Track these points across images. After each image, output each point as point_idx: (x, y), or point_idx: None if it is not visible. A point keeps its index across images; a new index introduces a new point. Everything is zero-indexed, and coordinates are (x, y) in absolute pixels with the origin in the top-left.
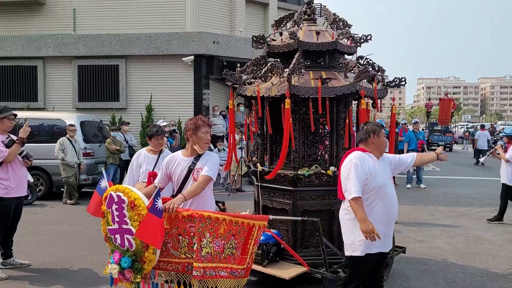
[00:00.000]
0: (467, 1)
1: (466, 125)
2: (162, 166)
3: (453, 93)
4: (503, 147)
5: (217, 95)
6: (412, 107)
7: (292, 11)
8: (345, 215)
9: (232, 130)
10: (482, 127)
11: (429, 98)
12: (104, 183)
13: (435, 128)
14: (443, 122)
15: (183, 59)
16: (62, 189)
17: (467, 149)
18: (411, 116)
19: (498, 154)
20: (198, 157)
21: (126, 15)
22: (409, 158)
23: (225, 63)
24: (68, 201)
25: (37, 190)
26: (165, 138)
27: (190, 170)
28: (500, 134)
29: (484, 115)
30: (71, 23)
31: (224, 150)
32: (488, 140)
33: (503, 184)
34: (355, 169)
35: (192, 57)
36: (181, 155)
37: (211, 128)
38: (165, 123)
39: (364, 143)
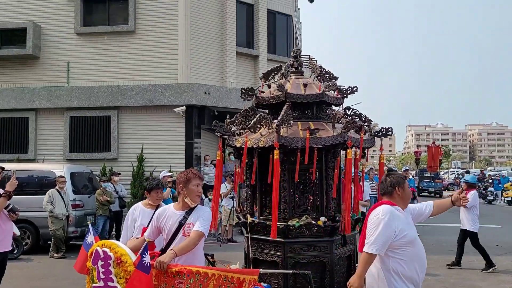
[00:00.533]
0: (451, 51)
1: (456, 171)
2: (153, 218)
3: (442, 140)
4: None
5: (208, 145)
6: (402, 153)
7: (280, 64)
8: (379, 271)
9: (218, 181)
10: (467, 173)
11: (417, 146)
12: (90, 238)
13: (424, 174)
14: (432, 168)
15: (175, 109)
16: (49, 242)
17: None
18: (402, 163)
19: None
20: (190, 211)
21: (119, 67)
22: (427, 208)
23: (217, 113)
24: (55, 255)
25: (23, 243)
26: (168, 188)
27: (180, 225)
28: (462, 181)
29: (473, 162)
30: (64, 75)
31: None
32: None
33: (462, 229)
34: (383, 226)
35: (184, 107)
36: (173, 209)
37: (202, 181)
38: (168, 174)
39: (389, 196)
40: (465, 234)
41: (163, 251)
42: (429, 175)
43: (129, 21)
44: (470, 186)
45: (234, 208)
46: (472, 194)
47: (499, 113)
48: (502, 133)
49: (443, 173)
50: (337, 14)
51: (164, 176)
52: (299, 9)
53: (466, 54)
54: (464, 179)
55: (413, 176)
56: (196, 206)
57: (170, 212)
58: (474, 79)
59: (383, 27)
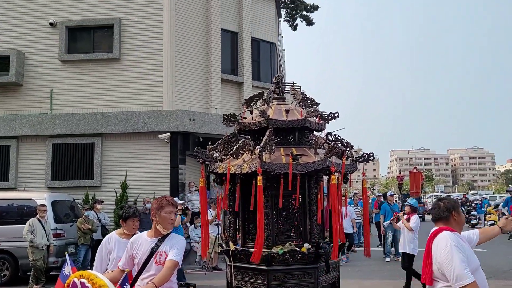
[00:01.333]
0: (432, 78)
1: (440, 195)
2: (127, 247)
3: (425, 164)
4: (403, 215)
5: (193, 171)
6: (386, 178)
7: (262, 91)
8: None
9: (204, 208)
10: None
11: (401, 170)
12: (67, 268)
13: (407, 199)
14: (414, 193)
15: (160, 136)
16: (28, 273)
17: None
18: (386, 188)
19: (398, 223)
20: (162, 238)
21: (103, 94)
22: (474, 236)
23: (201, 140)
24: (35, 286)
25: (2, 275)
26: (178, 215)
27: (152, 252)
28: (405, 204)
29: (456, 185)
30: (47, 103)
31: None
32: None
33: (403, 253)
34: (458, 251)
35: (169, 134)
36: (146, 236)
37: (176, 208)
38: (180, 202)
39: (445, 221)
40: (410, 258)
41: (135, 279)
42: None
43: (114, 48)
44: (413, 210)
45: (219, 235)
46: (415, 218)
47: (480, 138)
48: (483, 157)
49: (427, 197)
50: (321, 41)
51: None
52: (282, 37)
53: (446, 81)
54: (408, 203)
55: (396, 201)
56: (170, 234)
57: (143, 240)
58: (455, 104)
59: (368, 53)
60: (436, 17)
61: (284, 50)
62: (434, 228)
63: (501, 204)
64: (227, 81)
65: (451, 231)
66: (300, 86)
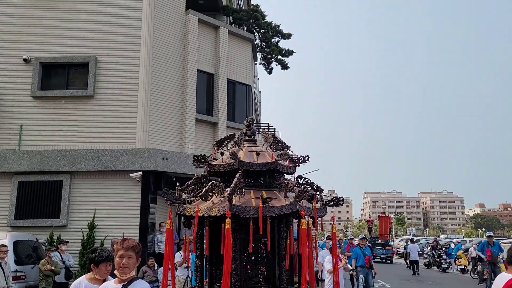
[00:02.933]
0: (401, 122)
1: (412, 238)
2: None
3: (397, 207)
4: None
5: (164, 211)
6: (359, 220)
7: (233, 132)
8: None
9: (169, 251)
10: (412, 241)
11: (373, 213)
12: None
13: (376, 241)
14: (383, 236)
15: (131, 175)
16: None
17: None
18: (360, 230)
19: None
20: (126, 284)
21: (75, 131)
22: None
23: (174, 179)
24: None
25: None
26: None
27: None
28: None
29: (427, 229)
30: (16, 138)
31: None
32: (418, 252)
33: None
34: None
35: (140, 173)
36: (112, 283)
37: (134, 252)
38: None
39: None
40: None
41: None
42: (380, 242)
43: (89, 86)
44: None
45: (188, 278)
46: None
47: (449, 182)
48: (453, 201)
49: (398, 240)
50: (296, 83)
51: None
52: (258, 78)
53: (416, 124)
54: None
55: (368, 245)
56: (134, 279)
57: (110, 287)
58: (425, 148)
59: (341, 94)
60: (409, 57)
61: (260, 91)
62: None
63: (476, 248)
64: (202, 121)
65: None
66: (274, 128)
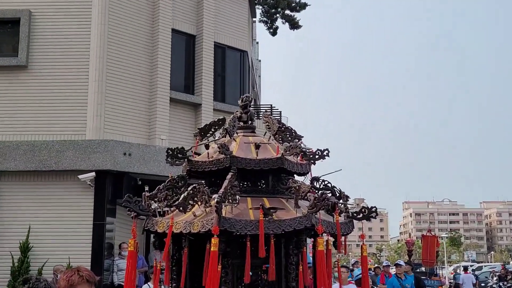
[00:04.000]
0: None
1: (471, 265)
2: None
3: (450, 222)
4: None
5: (127, 227)
6: (398, 240)
7: (223, 117)
8: None
9: (129, 282)
10: (465, 269)
11: (411, 233)
12: None
13: (418, 270)
14: (428, 263)
15: (80, 176)
16: None
17: None
18: (398, 253)
19: None
20: None
21: (1, 116)
22: None
23: (140, 182)
24: None
25: None
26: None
27: None
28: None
29: (492, 252)
30: None
31: None
32: (473, 284)
33: None
34: None
35: (93, 174)
36: None
37: (92, 285)
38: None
39: None
40: None
41: None
42: (424, 270)
43: (20, 52)
44: None
45: None
46: None
47: None
48: None
49: (451, 268)
50: (310, 49)
51: None
52: (257, 43)
53: (477, 115)
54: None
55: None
56: None
57: None
58: (491, 143)
59: (372, 66)
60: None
61: (259, 61)
62: None
63: None
64: (179, 101)
65: None
66: (280, 111)
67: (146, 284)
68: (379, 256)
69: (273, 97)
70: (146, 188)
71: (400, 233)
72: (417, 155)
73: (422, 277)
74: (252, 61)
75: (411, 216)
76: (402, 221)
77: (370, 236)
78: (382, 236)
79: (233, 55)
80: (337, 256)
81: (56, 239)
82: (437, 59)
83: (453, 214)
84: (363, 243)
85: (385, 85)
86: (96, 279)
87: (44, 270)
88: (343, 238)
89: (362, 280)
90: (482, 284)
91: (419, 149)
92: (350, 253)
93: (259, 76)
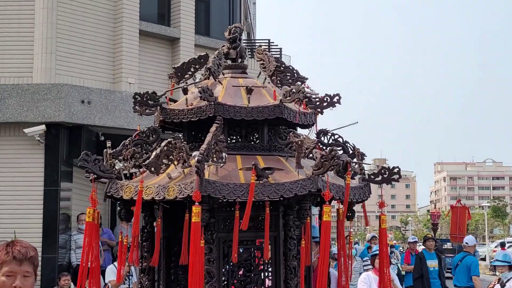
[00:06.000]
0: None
1: (502, 242)
2: None
3: (493, 188)
4: None
5: (86, 195)
6: (428, 211)
7: (206, 53)
8: None
9: (91, 264)
10: (503, 246)
11: (434, 205)
12: None
13: (444, 246)
14: (457, 238)
15: (26, 131)
16: None
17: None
18: (426, 227)
19: None
20: None
21: None
22: None
23: (103, 138)
24: None
25: None
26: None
27: None
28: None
29: None
30: None
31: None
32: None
33: None
34: None
35: (43, 127)
36: None
37: (25, 265)
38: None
39: None
40: None
41: None
42: (451, 247)
43: None
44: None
45: None
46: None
47: None
48: None
49: (494, 245)
50: None
51: None
52: None
53: None
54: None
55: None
56: None
57: None
58: None
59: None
60: None
61: None
62: None
63: None
64: (151, 35)
65: None
66: (280, 48)
67: (111, 265)
68: (403, 230)
69: (271, 33)
70: (108, 144)
71: (430, 201)
72: (453, 107)
73: (448, 255)
74: None
75: (444, 181)
76: (434, 187)
77: (393, 206)
78: (408, 206)
79: None
80: (349, 229)
81: None
82: None
83: (497, 178)
84: (381, 213)
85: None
86: (31, 254)
87: None
88: (359, 206)
89: (380, 258)
90: None
91: (456, 100)
92: (369, 227)
93: (254, 3)
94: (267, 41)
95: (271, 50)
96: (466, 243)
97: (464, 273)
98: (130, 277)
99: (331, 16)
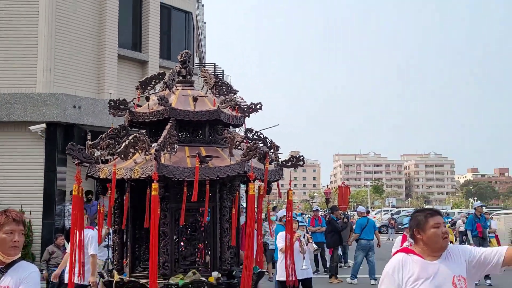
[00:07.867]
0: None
1: (390, 210)
2: None
3: (375, 173)
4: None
5: None
6: (328, 187)
7: (163, 71)
8: None
9: (76, 225)
10: (367, 213)
11: (346, 179)
12: None
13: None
14: (342, 208)
15: (31, 127)
16: None
17: (392, 239)
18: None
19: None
20: (5, 268)
21: None
22: (496, 255)
23: (89, 134)
24: None
25: None
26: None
27: None
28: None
29: (410, 199)
30: None
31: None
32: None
33: None
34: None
35: (44, 125)
36: None
37: (20, 225)
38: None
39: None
40: None
41: None
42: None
43: None
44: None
45: (109, 260)
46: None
47: (438, 143)
48: (441, 165)
49: (375, 212)
50: (259, 8)
51: None
52: (203, 5)
53: (398, 76)
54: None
55: (324, 215)
56: (16, 262)
57: None
58: (411, 105)
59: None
60: None
61: (205, 22)
62: None
63: (465, 226)
64: (127, 58)
65: (405, 252)
66: (223, 70)
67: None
68: (311, 202)
69: (219, 59)
70: (89, 137)
71: (330, 182)
72: (348, 112)
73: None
74: (197, 21)
75: (340, 167)
76: (333, 172)
77: (304, 185)
78: (314, 185)
79: (178, 16)
80: (267, 201)
81: (8, 187)
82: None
83: (377, 165)
84: (290, 188)
85: (321, 48)
86: (24, 218)
87: None
88: (274, 184)
89: (287, 222)
90: (399, 226)
91: (349, 108)
92: (284, 198)
93: (204, 37)
94: (213, 64)
95: (216, 71)
96: (360, 211)
97: (371, 229)
98: (109, 236)
99: (267, 45)
